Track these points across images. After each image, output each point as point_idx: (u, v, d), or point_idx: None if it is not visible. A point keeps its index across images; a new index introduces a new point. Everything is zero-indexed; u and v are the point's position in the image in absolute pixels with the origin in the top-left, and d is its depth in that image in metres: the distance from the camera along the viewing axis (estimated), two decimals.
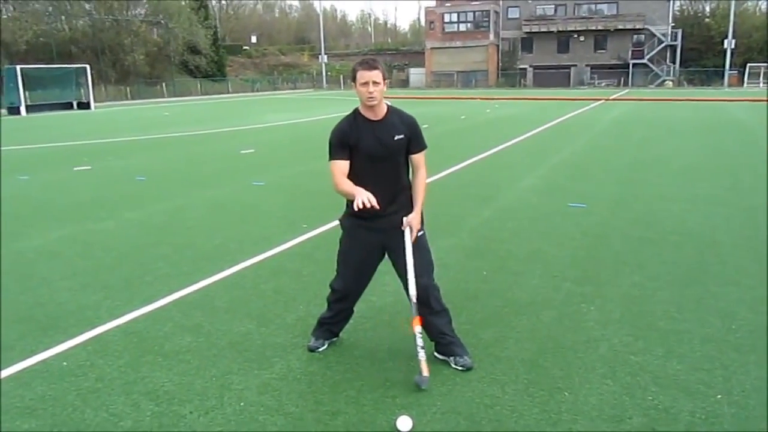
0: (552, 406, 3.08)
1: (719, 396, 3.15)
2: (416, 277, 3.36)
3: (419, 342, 3.29)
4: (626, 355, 3.61)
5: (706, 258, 5.43)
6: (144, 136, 17.35)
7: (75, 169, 11.33)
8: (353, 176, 3.31)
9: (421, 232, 3.47)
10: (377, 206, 3.15)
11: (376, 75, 3.18)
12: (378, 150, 3.30)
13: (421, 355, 3.26)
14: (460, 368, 3.43)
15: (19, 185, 9.71)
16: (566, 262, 5.36)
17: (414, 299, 3.34)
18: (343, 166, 3.30)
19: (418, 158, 3.44)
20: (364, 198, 3.11)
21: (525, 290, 4.71)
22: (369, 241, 3.46)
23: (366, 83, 3.18)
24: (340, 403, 3.14)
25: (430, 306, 3.40)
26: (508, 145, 13.87)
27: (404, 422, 2.87)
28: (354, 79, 3.24)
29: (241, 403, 3.15)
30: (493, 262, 5.42)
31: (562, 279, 4.93)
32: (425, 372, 3.24)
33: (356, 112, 3.36)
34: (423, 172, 3.46)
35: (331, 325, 3.74)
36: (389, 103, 3.39)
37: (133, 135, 17.83)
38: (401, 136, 3.33)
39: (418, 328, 3.31)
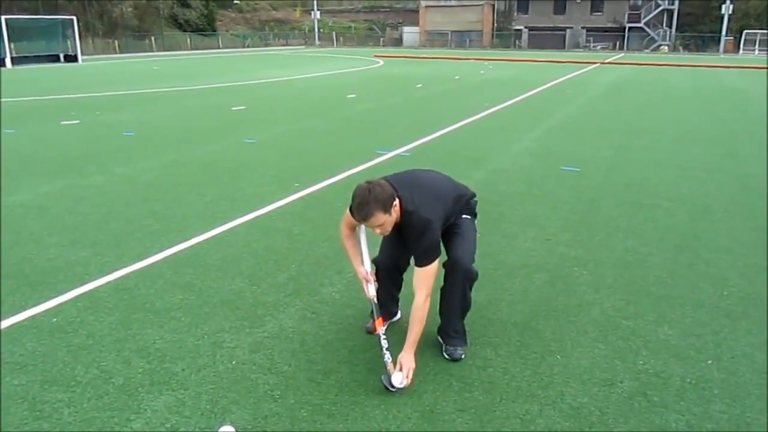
0: (544, 369, 3.10)
1: (710, 361, 3.17)
2: (465, 255, 3.12)
3: (384, 344, 2.96)
4: (618, 319, 3.63)
5: (698, 224, 5.44)
6: (133, 91, 17.05)
7: (62, 123, 11.12)
8: None
9: (468, 218, 3.26)
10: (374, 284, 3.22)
11: (375, 220, 2.84)
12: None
13: (387, 356, 2.93)
14: (446, 356, 3.21)
15: (4, 139, 9.53)
16: (559, 226, 5.35)
17: (375, 300, 3.11)
18: (353, 222, 3.14)
19: (417, 276, 2.96)
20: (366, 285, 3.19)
21: (518, 253, 4.70)
22: None
23: (371, 227, 2.94)
24: (333, 363, 3.14)
25: (464, 290, 3.21)
26: (502, 107, 13.74)
27: (396, 378, 2.83)
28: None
29: (233, 362, 3.14)
30: (486, 224, 5.37)
31: (555, 242, 4.92)
32: (391, 370, 2.91)
33: None
34: (420, 297, 2.93)
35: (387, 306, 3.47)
36: (403, 208, 2.95)
37: (121, 89, 17.51)
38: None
39: (381, 329, 3.05)
